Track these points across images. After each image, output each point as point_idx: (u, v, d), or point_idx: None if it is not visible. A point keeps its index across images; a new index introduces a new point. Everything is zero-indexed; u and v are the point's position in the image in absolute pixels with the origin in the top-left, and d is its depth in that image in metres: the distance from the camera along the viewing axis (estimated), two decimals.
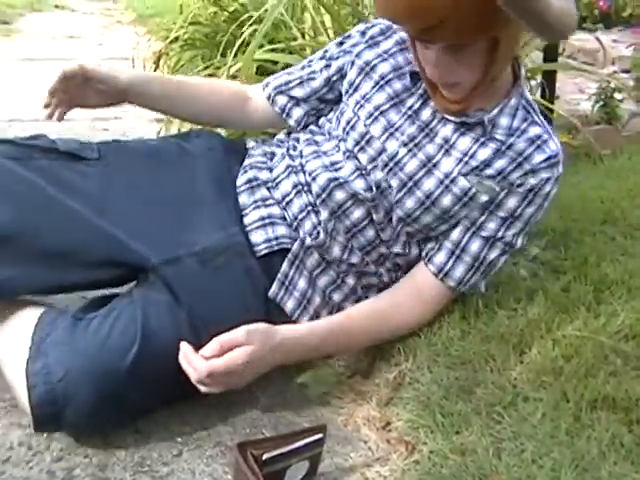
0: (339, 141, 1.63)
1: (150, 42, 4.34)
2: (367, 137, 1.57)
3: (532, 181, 1.51)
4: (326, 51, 1.78)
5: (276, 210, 1.58)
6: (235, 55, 2.73)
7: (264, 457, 1.17)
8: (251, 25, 2.83)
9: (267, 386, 1.51)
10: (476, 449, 1.25)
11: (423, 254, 1.59)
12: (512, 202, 1.52)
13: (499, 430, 1.30)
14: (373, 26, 1.71)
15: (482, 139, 1.52)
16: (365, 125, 1.58)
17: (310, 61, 1.80)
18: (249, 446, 1.19)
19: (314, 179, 1.56)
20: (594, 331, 1.54)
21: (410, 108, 1.58)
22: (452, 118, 1.53)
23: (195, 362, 1.29)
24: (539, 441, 1.26)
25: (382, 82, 1.61)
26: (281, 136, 1.82)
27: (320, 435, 1.23)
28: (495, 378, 1.43)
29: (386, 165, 1.55)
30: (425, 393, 1.40)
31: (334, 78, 1.73)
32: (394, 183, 1.54)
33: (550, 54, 2.92)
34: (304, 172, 1.59)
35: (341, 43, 1.76)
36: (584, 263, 1.87)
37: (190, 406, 1.44)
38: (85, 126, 3.41)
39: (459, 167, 1.51)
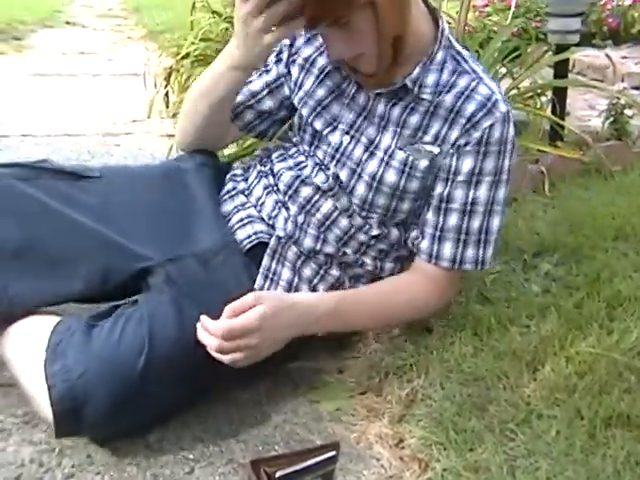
0: (300, 144, 1.67)
1: (161, 58, 4.35)
2: (316, 135, 1.61)
3: (476, 134, 1.48)
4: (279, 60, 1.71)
5: (253, 211, 1.64)
6: None
7: (277, 475, 1.16)
8: None
9: (279, 402, 1.50)
10: (490, 467, 1.25)
11: (410, 245, 1.60)
12: (467, 163, 1.49)
13: (513, 447, 1.30)
14: None
15: (411, 104, 1.51)
16: (309, 122, 1.61)
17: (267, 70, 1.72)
18: (262, 463, 1.19)
19: (279, 178, 1.61)
20: (607, 348, 1.54)
21: (347, 96, 1.58)
22: (380, 90, 1.52)
23: (212, 325, 1.32)
24: (553, 459, 1.26)
25: (322, 76, 1.62)
26: (258, 152, 1.85)
27: (333, 452, 1.22)
28: (508, 395, 1.43)
29: (333, 157, 1.57)
30: (438, 410, 1.40)
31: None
32: (344, 173, 1.55)
33: (560, 70, 2.92)
34: (273, 175, 1.64)
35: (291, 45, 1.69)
36: (596, 279, 1.87)
37: (202, 422, 1.44)
38: (96, 141, 3.43)
39: (395, 140, 1.51)
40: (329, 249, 1.58)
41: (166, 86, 3.93)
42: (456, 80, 1.51)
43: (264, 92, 1.72)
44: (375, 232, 1.58)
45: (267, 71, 1.72)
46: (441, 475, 1.26)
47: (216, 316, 1.35)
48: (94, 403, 1.29)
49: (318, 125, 1.60)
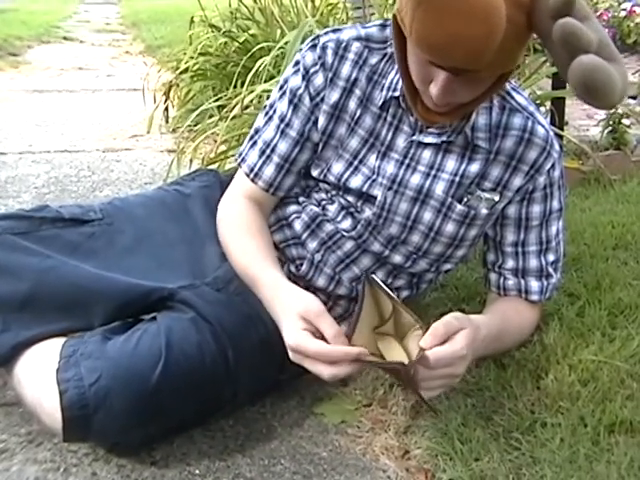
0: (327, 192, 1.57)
1: (160, 73, 4.37)
2: (350, 191, 1.51)
3: (541, 179, 1.48)
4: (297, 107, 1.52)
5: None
6: (251, 84, 2.76)
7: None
8: (262, 57, 2.86)
9: (284, 415, 1.51)
10: (496, 475, 1.25)
11: (494, 289, 1.60)
12: (537, 208, 1.51)
13: (518, 456, 1.30)
14: (325, 48, 1.48)
15: (467, 153, 1.45)
16: (344, 180, 1.50)
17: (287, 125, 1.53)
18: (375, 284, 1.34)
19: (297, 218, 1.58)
20: (610, 355, 1.54)
21: (383, 144, 1.48)
22: (431, 140, 1.44)
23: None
24: (558, 466, 1.26)
25: (353, 124, 1.48)
26: None
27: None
28: (512, 404, 1.43)
29: (380, 216, 1.49)
30: (443, 420, 1.40)
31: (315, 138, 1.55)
32: (395, 228, 1.50)
33: (558, 81, 2.93)
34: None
35: (310, 94, 1.50)
36: (597, 287, 1.88)
37: (208, 437, 1.44)
38: (96, 157, 3.44)
39: (452, 190, 1.46)
40: (341, 291, 1.58)
41: (165, 101, 3.96)
42: (508, 120, 1.45)
43: (295, 151, 1.54)
44: (397, 260, 1.55)
45: (288, 124, 1.53)
46: None
47: (231, 330, 1.39)
48: (105, 411, 1.28)
49: (356, 183, 1.49)
